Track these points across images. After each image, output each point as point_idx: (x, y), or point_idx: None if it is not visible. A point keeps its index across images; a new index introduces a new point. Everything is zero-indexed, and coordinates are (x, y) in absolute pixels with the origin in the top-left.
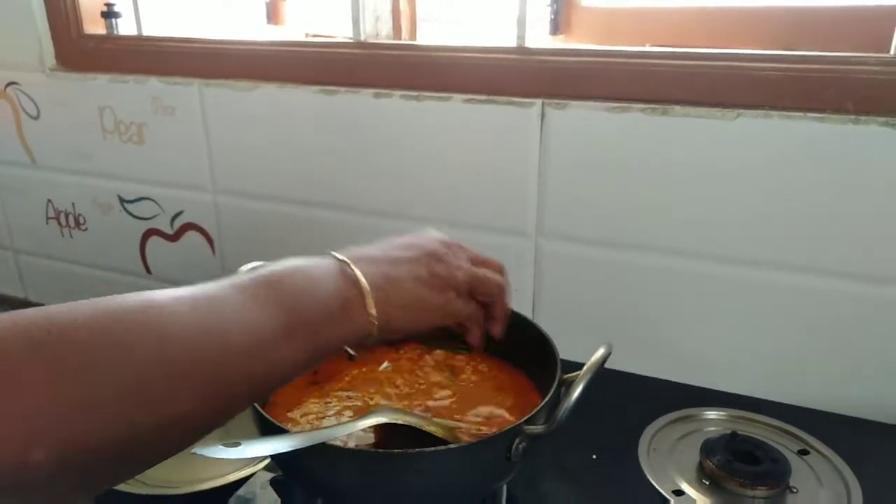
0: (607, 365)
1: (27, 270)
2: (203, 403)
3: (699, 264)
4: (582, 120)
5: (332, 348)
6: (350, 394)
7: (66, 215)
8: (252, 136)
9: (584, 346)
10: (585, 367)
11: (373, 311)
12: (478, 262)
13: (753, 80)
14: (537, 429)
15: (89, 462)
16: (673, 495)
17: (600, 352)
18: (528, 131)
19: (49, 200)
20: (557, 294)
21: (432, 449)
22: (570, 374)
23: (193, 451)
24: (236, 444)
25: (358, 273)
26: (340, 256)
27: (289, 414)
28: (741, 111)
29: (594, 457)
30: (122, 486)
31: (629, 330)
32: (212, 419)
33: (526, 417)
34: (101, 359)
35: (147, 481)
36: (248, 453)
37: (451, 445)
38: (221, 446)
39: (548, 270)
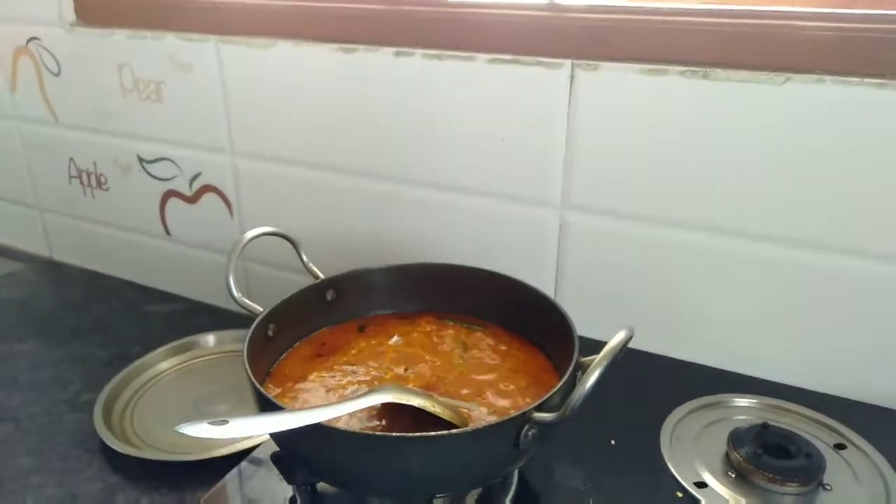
0: (630, 345)
1: (52, 229)
2: None
3: (736, 242)
4: (614, 83)
5: None
6: (356, 368)
7: (88, 175)
8: (269, 96)
9: (608, 325)
10: (603, 352)
11: None
12: None
13: (805, 41)
14: (548, 416)
15: None
16: (695, 487)
17: (620, 336)
18: (556, 94)
19: (71, 159)
20: (581, 269)
21: (433, 434)
22: (588, 358)
23: (177, 429)
24: (223, 423)
25: None
26: None
27: (296, 385)
28: (790, 75)
29: (612, 443)
30: (131, 451)
31: (657, 309)
32: None
33: (536, 403)
34: None
35: (158, 446)
36: (236, 432)
37: (454, 431)
38: (207, 425)
39: (572, 244)
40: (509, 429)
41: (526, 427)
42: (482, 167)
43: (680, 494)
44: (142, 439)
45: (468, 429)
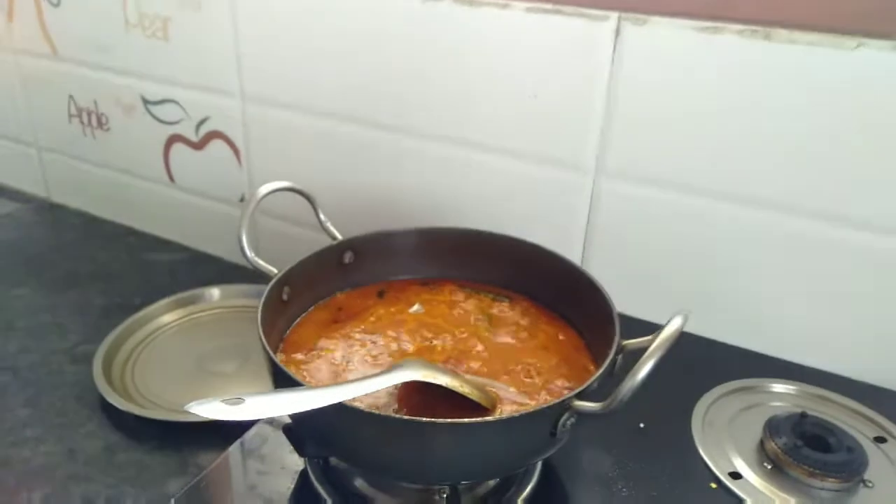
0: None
1: (51, 169)
2: None
3: (784, 219)
4: (664, 40)
5: None
6: (374, 337)
7: (89, 114)
8: (283, 39)
9: (637, 301)
10: (658, 341)
11: None
12: None
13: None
14: (591, 406)
15: None
16: (729, 478)
17: (676, 322)
18: (598, 49)
19: (71, 96)
20: (612, 240)
21: (467, 421)
22: (631, 341)
23: (187, 407)
24: (239, 401)
25: None
26: None
27: (310, 354)
28: (864, 40)
29: (641, 426)
30: (133, 408)
31: (692, 286)
32: None
33: (577, 390)
34: None
35: (160, 404)
36: (253, 413)
37: (490, 418)
38: (221, 404)
39: (604, 212)
40: (548, 417)
41: (566, 416)
42: (512, 125)
43: (714, 486)
44: (144, 396)
45: (504, 416)
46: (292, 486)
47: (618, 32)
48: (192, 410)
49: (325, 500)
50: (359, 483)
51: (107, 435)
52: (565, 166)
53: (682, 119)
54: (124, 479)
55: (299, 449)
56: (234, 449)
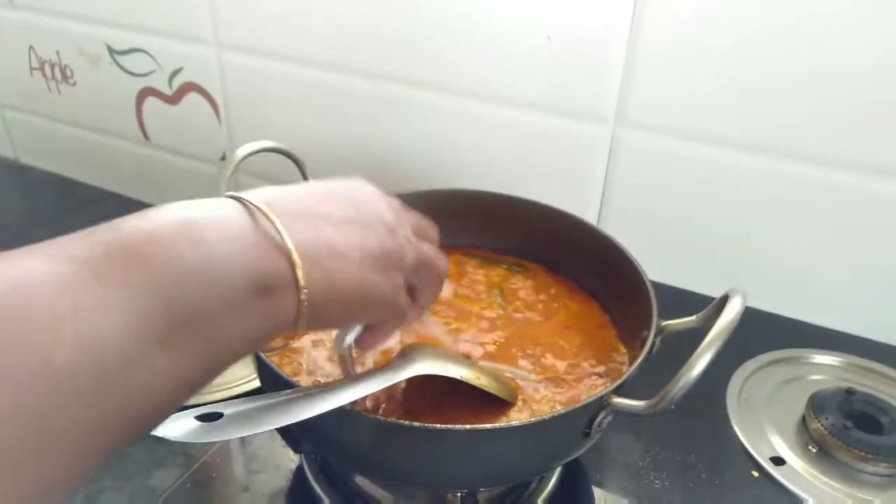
0: (687, 287)
1: (15, 127)
2: (30, 462)
3: (822, 172)
4: None
5: (237, 355)
6: None
7: (52, 66)
8: None
9: (660, 265)
10: (717, 329)
11: (304, 300)
12: (418, 230)
13: None
14: (634, 405)
15: None
16: (771, 463)
17: (735, 306)
18: None
19: (31, 47)
20: (632, 197)
21: (488, 427)
22: (672, 322)
23: (155, 433)
24: (216, 417)
25: (286, 236)
26: (252, 201)
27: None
28: None
29: (672, 406)
30: None
31: (720, 247)
32: (64, 469)
33: (616, 384)
34: None
35: None
36: (235, 431)
37: (515, 423)
38: (195, 421)
39: (623, 167)
40: (581, 417)
41: (602, 414)
42: (523, 70)
43: (756, 474)
44: None
45: (531, 420)
46: (287, 484)
47: None
48: (157, 433)
49: (322, 500)
50: (361, 481)
51: None
52: (582, 116)
53: (712, 60)
54: (105, 470)
55: (294, 446)
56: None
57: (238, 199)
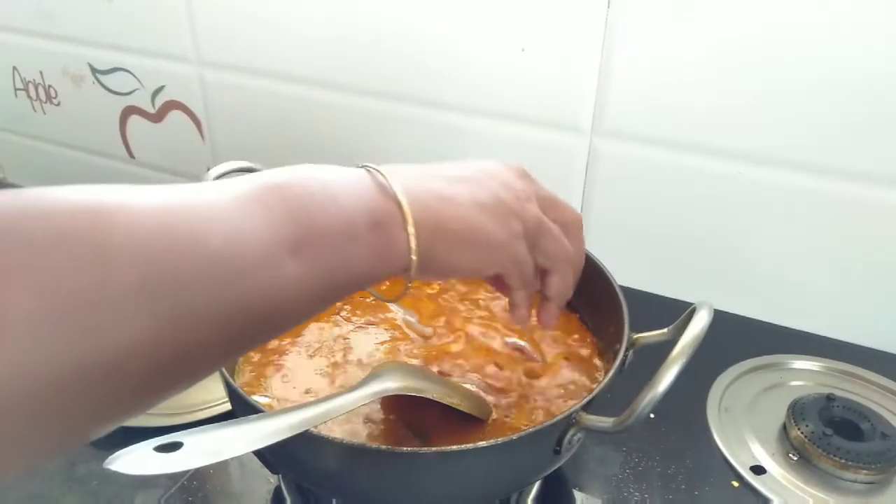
0: (667, 294)
1: (2, 148)
2: (171, 333)
3: (800, 177)
4: None
5: (356, 280)
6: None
7: (36, 86)
8: None
9: (639, 271)
10: (682, 344)
11: (412, 236)
12: (550, 208)
13: None
14: (602, 422)
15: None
16: (751, 473)
17: (701, 320)
18: None
19: (14, 68)
20: (611, 207)
21: (456, 449)
22: (643, 335)
23: (106, 465)
24: (176, 447)
25: (395, 184)
26: (373, 166)
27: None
28: None
29: (651, 416)
30: None
31: (699, 253)
32: (202, 352)
33: (584, 401)
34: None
35: None
36: (194, 461)
37: (482, 444)
38: (153, 452)
39: (601, 177)
40: (551, 435)
41: (572, 432)
42: (498, 83)
43: (736, 484)
44: None
45: (498, 441)
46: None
47: None
48: (111, 467)
49: None
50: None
51: None
52: (558, 127)
53: (688, 67)
54: (88, 493)
55: (271, 467)
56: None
57: (361, 166)
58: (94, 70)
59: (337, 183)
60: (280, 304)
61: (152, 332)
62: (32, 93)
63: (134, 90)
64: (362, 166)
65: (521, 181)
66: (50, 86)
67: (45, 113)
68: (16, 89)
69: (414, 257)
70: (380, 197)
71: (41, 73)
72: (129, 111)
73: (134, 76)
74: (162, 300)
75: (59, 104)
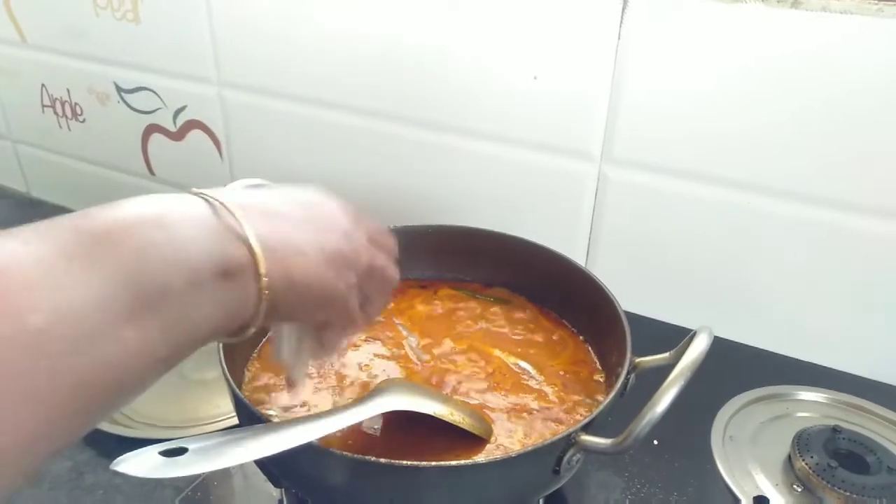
0: (676, 323)
1: (27, 163)
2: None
3: (808, 210)
4: (676, 9)
5: (201, 337)
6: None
7: (62, 104)
8: (262, 19)
9: (646, 298)
10: (680, 367)
11: (265, 289)
12: (374, 238)
13: None
14: (601, 443)
15: None
16: (754, 503)
17: (700, 344)
18: (603, 21)
19: (43, 85)
20: (620, 232)
21: (456, 464)
22: (645, 359)
23: (113, 467)
24: (180, 452)
25: (248, 230)
26: (215, 198)
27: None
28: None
29: (655, 443)
30: (103, 425)
31: (706, 281)
32: (41, 440)
33: (584, 422)
34: None
35: (135, 417)
36: (197, 467)
37: (482, 460)
38: (158, 456)
39: (611, 203)
40: (550, 454)
41: (571, 452)
42: (511, 110)
43: None
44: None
45: (497, 458)
46: None
47: (625, 2)
48: (118, 468)
49: None
50: None
51: (73, 454)
52: (569, 154)
53: (696, 96)
54: (94, 503)
55: (273, 480)
56: (210, 474)
57: (200, 196)
58: (119, 89)
59: (177, 224)
60: (119, 375)
61: None
62: (59, 109)
63: (157, 109)
64: (199, 195)
65: (355, 225)
66: (76, 103)
67: (70, 129)
68: (43, 106)
69: (262, 311)
70: (229, 243)
71: (68, 90)
72: (151, 129)
73: (157, 95)
74: None
75: (84, 121)
